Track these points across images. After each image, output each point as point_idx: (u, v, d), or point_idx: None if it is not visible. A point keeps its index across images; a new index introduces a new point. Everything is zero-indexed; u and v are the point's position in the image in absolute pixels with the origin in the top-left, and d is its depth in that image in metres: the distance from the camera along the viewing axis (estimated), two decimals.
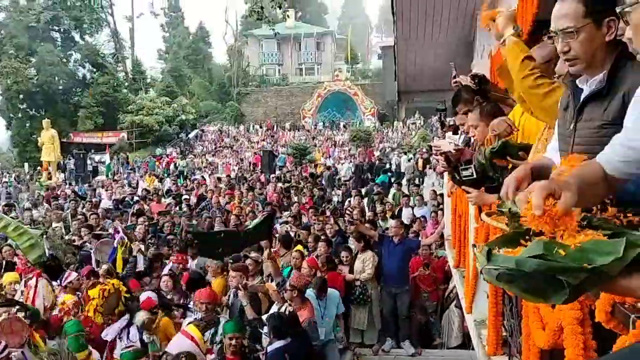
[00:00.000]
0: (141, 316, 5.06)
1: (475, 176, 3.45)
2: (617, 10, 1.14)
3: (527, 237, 1.16)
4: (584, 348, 1.55)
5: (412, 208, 11.13)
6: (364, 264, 7.33)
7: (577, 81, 1.95)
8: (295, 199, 13.81)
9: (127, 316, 5.29)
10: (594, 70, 1.86)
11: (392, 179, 19.53)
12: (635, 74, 1.86)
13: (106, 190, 17.47)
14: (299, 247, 7.43)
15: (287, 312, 5.43)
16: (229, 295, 6.39)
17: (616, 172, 1.42)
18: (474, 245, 1.17)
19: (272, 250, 7.36)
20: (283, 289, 6.32)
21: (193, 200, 15.21)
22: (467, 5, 7.44)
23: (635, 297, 1.02)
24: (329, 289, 6.48)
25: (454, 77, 4.50)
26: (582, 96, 1.91)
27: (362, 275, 7.26)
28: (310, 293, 6.20)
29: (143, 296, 5.56)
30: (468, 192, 3.51)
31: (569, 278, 0.97)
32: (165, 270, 7.18)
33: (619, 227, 1.32)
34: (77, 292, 6.35)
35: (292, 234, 8.81)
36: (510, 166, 3.12)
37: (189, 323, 5.15)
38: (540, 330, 1.89)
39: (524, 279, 1.02)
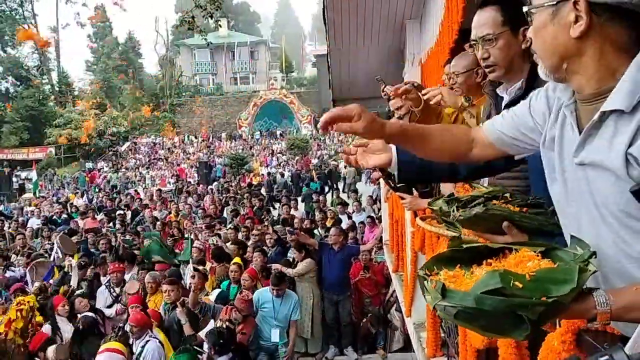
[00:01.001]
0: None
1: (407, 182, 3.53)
2: (524, 9, 1.19)
3: (465, 258, 1.16)
4: (516, 346, 1.61)
5: (349, 215, 11.24)
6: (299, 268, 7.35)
7: (497, 90, 2.04)
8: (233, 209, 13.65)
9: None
10: (512, 77, 1.96)
11: (326, 186, 19.84)
12: None
13: (34, 208, 16.64)
14: (237, 259, 7.32)
15: (224, 327, 5.32)
16: (166, 311, 6.21)
17: (500, 143, 1.49)
18: (424, 278, 1.10)
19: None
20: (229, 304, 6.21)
21: (128, 214, 14.74)
22: (396, 15, 7.62)
23: (585, 318, 1.04)
24: (288, 290, 6.50)
25: (383, 90, 4.63)
26: (503, 104, 1.99)
27: (289, 271, 7.19)
28: (265, 292, 6.28)
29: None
30: (402, 198, 3.57)
31: (529, 313, 0.95)
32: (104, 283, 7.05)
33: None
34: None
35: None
36: None
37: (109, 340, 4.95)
38: (475, 332, 1.94)
39: (484, 317, 0.98)
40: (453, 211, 1.55)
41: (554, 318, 1.05)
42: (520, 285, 0.97)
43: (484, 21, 1.90)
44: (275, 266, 7.20)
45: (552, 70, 1.19)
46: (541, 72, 1.23)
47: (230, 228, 9.83)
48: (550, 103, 1.31)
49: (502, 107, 1.98)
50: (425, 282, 1.09)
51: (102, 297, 6.91)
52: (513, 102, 1.93)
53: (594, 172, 1.13)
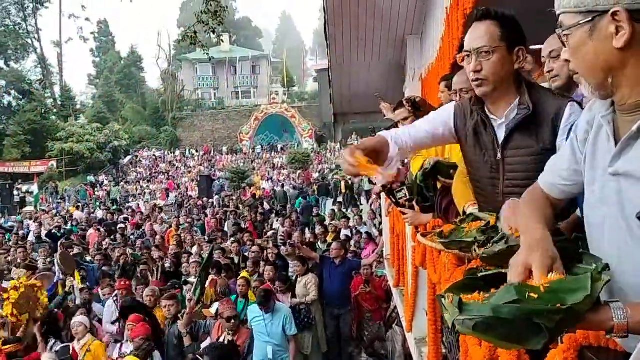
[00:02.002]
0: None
1: (408, 197, 3.53)
2: (557, 32, 1.19)
3: (481, 285, 1.15)
4: None
5: (351, 229, 11.23)
6: (307, 287, 7.27)
7: (487, 111, 2.04)
8: (235, 223, 13.64)
9: None
10: (499, 97, 1.96)
11: (326, 200, 19.96)
12: (556, 99, 1.98)
13: (34, 222, 16.61)
14: (245, 273, 7.30)
15: (226, 341, 5.31)
16: (166, 325, 6.21)
17: (562, 195, 1.45)
18: (442, 297, 1.10)
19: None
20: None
21: (129, 228, 14.74)
22: (397, 31, 7.69)
23: (602, 329, 1.04)
24: (278, 303, 6.30)
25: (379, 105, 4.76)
26: (505, 126, 1.98)
27: (307, 298, 7.17)
28: (255, 307, 6.16)
29: None
30: (404, 213, 3.57)
31: (546, 321, 0.96)
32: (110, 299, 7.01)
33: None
34: None
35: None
36: (440, 186, 3.22)
37: (129, 354, 4.96)
38: (477, 347, 1.93)
39: (502, 326, 0.98)
40: (475, 250, 1.55)
41: (571, 326, 1.03)
42: (536, 296, 0.99)
43: (481, 34, 1.90)
44: (293, 301, 7.12)
45: (598, 87, 1.16)
46: (586, 91, 1.20)
47: (233, 242, 9.81)
48: (591, 122, 1.30)
49: (510, 130, 1.97)
50: (443, 299, 1.09)
51: (109, 311, 6.84)
52: (522, 122, 1.93)
53: (627, 182, 1.12)
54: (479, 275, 1.20)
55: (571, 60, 1.19)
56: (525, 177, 1.88)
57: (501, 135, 2.00)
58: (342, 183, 20.62)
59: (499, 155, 2.01)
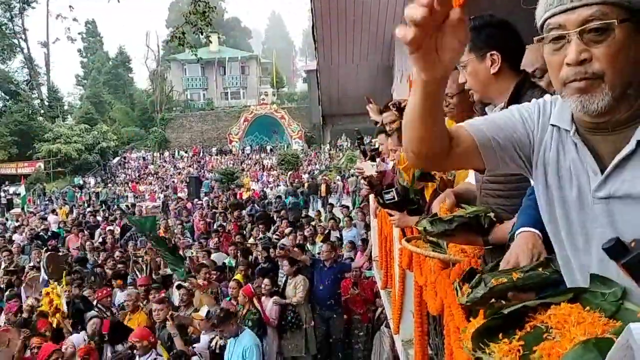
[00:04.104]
0: None
1: (396, 199, 3.55)
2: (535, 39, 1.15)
3: (502, 322, 1.07)
4: None
5: (340, 230, 11.22)
6: (296, 289, 7.27)
7: (486, 109, 2.06)
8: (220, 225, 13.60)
9: None
10: (495, 99, 1.98)
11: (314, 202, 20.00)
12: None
13: (21, 224, 16.47)
14: (238, 276, 7.29)
15: (218, 345, 5.29)
16: (156, 329, 6.17)
17: (487, 151, 1.34)
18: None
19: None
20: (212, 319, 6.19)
21: (117, 230, 14.62)
22: (385, 33, 7.71)
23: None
24: (245, 332, 5.61)
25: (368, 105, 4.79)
26: None
27: (293, 299, 7.19)
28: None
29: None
30: (391, 215, 3.58)
31: None
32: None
33: None
34: None
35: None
36: (431, 189, 3.24)
37: None
38: (461, 350, 1.94)
39: None
40: (456, 290, 1.45)
41: None
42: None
43: None
44: (281, 300, 7.11)
45: (621, 95, 1.06)
46: (604, 100, 1.07)
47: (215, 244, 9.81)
48: (540, 127, 1.23)
49: None
50: None
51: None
52: None
53: (622, 204, 1.07)
54: (505, 312, 1.07)
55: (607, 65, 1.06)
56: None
57: None
58: (323, 186, 20.71)
59: None
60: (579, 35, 1.04)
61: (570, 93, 1.09)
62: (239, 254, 8.86)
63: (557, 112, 1.21)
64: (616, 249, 0.91)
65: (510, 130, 1.25)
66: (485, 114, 2.08)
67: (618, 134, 1.09)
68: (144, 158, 41.99)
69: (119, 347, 5.79)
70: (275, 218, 13.83)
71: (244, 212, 15.43)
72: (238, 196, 22.25)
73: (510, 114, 1.29)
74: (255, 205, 17.78)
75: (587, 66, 1.05)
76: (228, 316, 5.46)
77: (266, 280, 7.10)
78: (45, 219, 18.00)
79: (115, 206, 22.94)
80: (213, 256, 9.25)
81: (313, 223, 11.98)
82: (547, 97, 1.29)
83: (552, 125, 1.21)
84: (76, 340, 5.78)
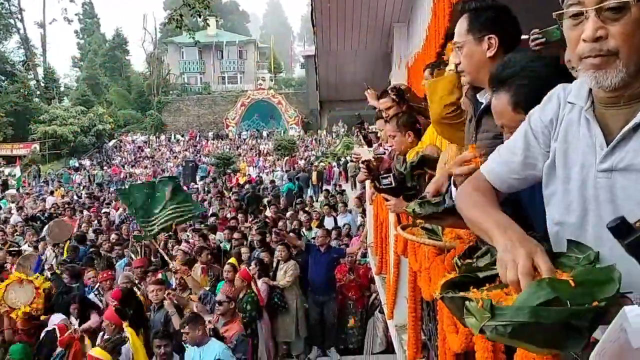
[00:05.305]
0: None
1: (393, 185, 3.55)
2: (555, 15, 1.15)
3: (476, 282, 1.10)
4: (493, 350, 1.63)
5: (335, 217, 11.25)
6: (286, 273, 7.29)
7: (477, 95, 2.07)
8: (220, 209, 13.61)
9: None
10: (484, 83, 1.98)
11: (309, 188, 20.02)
12: None
13: (16, 205, 16.43)
14: (232, 260, 7.31)
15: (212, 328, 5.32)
16: (151, 310, 6.21)
17: (509, 189, 1.40)
18: (469, 300, 0.99)
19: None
20: (206, 302, 6.23)
21: (113, 213, 14.63)
22: (384, 19, 7.66)
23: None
24: (212, 341, 4.96)
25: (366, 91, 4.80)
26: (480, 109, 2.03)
27: (280, 282, 7.21)
28: None
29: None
30: (387, 200, 3.59)
31: (584, 321, 0.88)
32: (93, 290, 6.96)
33: None
34: None
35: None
36: (427, 176, 3.25)
37: (94, 347, 4.97)
38: (454, 334, 1.97)
39: (541, 331, 0.89)
40: (455, 266, 1.46)
41: (602, 324, 0.93)
42: (571, 291, 0.92)
43: (458, 30, 1.96)
44: (271, 282, 7.14)
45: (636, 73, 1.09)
46: (618, 76, 1.09)
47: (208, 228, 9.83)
48: (556, 116, 1.26)
49: (479, 113, 2.00)
50: (469, 303, 0.99)
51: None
52: (486, 108, 1.96)
53: (623, 177, 1.09)
54: (481, 276, 1.11)
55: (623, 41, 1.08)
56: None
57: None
58: (315, 174, 20.71)
59: (473, 137, 2.06)
60: (596, 12, 1.07)
61: (585, 68, 1.12)
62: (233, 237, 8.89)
63: (575, 88, 1.24)
64: (621, 228, 0.90)
65: (528, 162, 1.32)
66: (476, 100, 2.09)
67: (629, 108, 1.11)
68: (140, 141, 41.76)
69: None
70: (266, 202, 13.89)
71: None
72: (235, 181, 22.22)
73: (525, 143, 1.32)
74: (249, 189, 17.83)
75: (603, 43, 1.07)
76: (196, 320, 4.98)
77: (253, 264, 7.13)
78: (44, 200, 17.97)
79: (112, 188, 22.90)
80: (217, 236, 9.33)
81: (307, 209, 12.01)
82: (559, 87, 1.30)
83: (569, 102, 1.25)
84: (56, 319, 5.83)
